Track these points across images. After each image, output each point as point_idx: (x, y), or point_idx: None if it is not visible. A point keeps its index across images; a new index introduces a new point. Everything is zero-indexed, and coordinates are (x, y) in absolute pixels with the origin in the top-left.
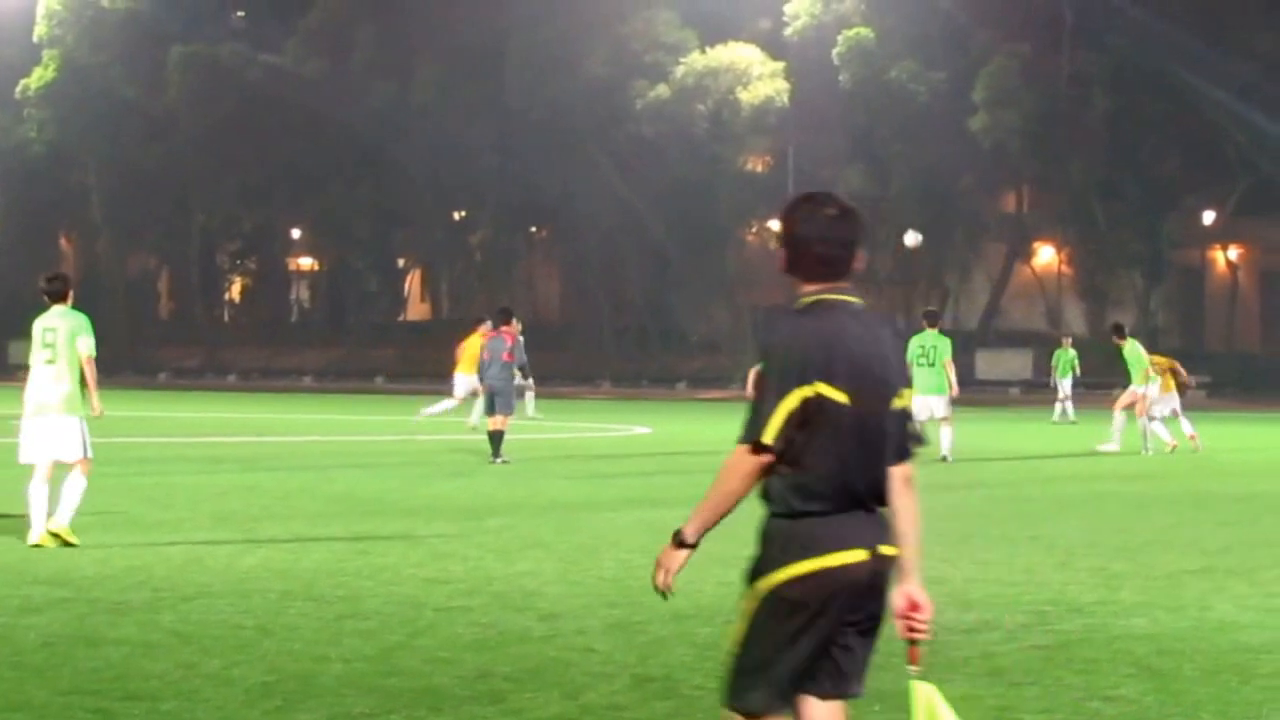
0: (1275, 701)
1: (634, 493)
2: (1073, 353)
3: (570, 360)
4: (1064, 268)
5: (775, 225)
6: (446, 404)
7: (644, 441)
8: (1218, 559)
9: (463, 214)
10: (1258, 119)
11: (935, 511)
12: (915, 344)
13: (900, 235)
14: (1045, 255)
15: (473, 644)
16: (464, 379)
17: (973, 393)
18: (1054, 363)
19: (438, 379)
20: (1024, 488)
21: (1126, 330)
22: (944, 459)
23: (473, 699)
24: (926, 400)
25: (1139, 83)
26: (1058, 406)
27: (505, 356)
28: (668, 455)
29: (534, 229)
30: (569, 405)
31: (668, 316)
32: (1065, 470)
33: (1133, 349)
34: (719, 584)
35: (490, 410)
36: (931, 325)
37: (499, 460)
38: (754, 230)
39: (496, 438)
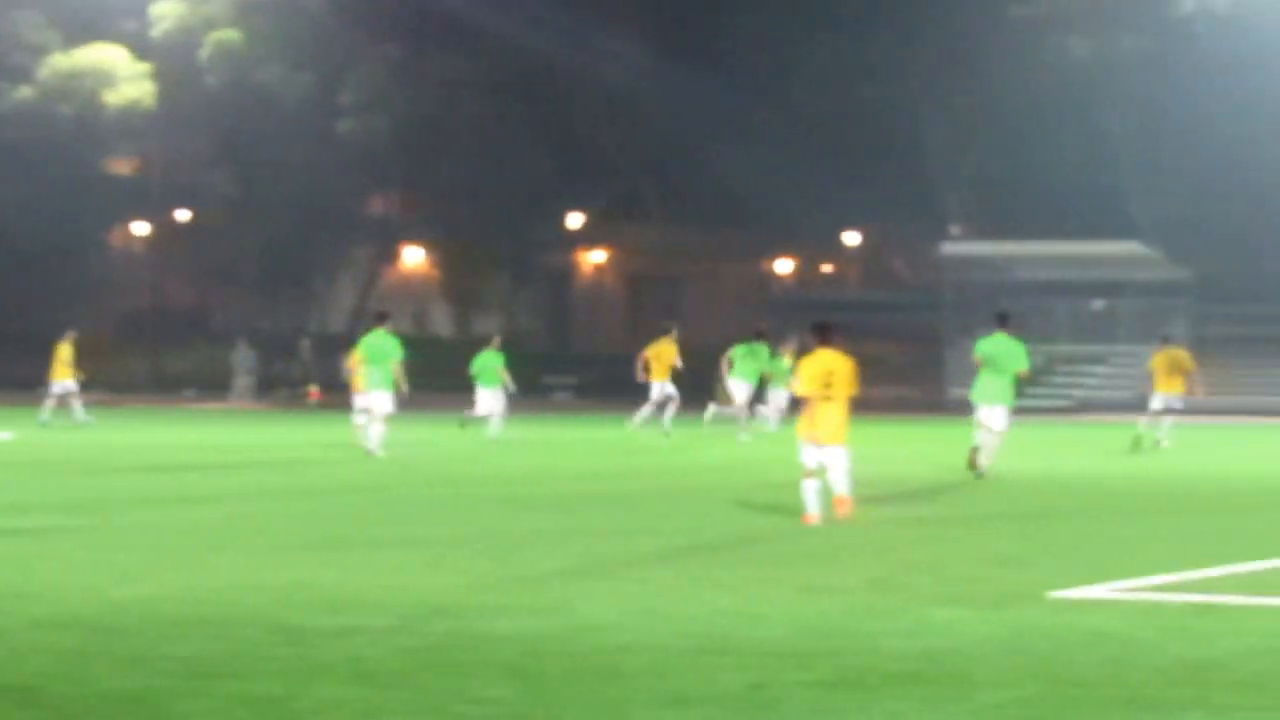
0: (638, 700)
1: None
2: (788, 363)
3: None
4: (432, 270)
5: (142, 229)
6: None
7: (3, 449)
8: (582, 561)
9: None
10: (626, 125)
11: (305, 515)
12: (366, 343)
13: (267, 237)
14: (414, 257)
15: None
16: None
17: (336, 395)
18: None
19: None
20: (393, 490)
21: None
22: (370, 453)
23: None
24: (368, 395)
25: (509, 86)
26: (771, 416)
27: None
28: (29, 462)
29: None
30: None
31: (35, 321)
32: (432, 473)
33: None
34: (84, 590)
35: None
36: (379, 323)
37: None
38: (120, 234)
39: None
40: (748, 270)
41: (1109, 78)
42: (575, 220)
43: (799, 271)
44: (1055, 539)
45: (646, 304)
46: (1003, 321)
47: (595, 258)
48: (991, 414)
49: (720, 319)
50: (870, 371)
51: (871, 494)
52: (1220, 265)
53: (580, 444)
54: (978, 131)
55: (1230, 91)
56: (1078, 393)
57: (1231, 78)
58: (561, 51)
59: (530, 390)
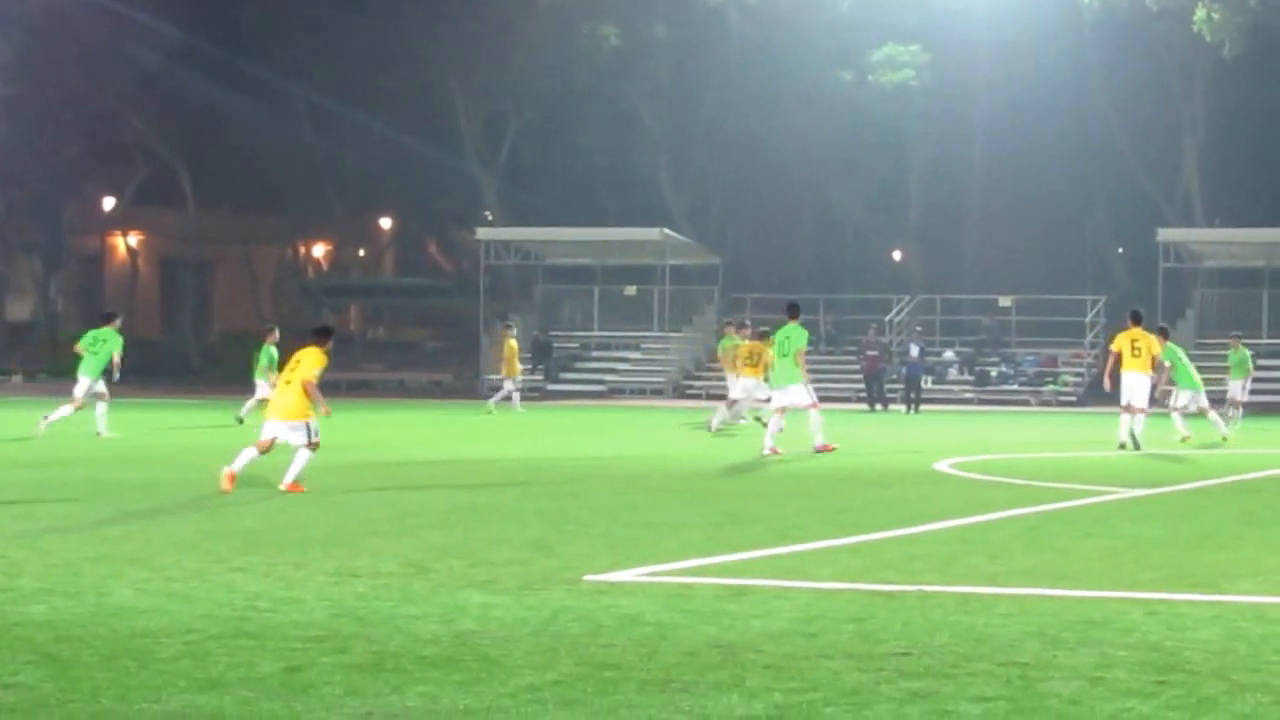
0: (173, 685)
1: None
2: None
3: None
4: None
5: None
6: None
7: None
8: (117, 546)
9: None
10: (158, 106)
11: None
12: None
13: None
14: None
15: None
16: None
17: None
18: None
19: None
20: None
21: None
22: None
23: None
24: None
25: (41, 66)
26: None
27: None
28: None
29: None
30: None
31: None
32: None
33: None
34: None
35: None
36: None
37: None
38: None
39: None
40: (280, 254)
41: (641, 66)
42: (108, 203)
43: (333, 256)
44: (589, 523)
45: (178, 288)
46: (793, 313)
47: (128, 241)
48: (789, 394)
49: (254, 303)
50: (405, 357)
51: (396, 477)
52: (747, 252)
53: (120, 426)
54: (512, 118)
55: (757, 82)
56: (610, 378)
57: (759, 69)
58: (94, 31)
59: (67, 374)
